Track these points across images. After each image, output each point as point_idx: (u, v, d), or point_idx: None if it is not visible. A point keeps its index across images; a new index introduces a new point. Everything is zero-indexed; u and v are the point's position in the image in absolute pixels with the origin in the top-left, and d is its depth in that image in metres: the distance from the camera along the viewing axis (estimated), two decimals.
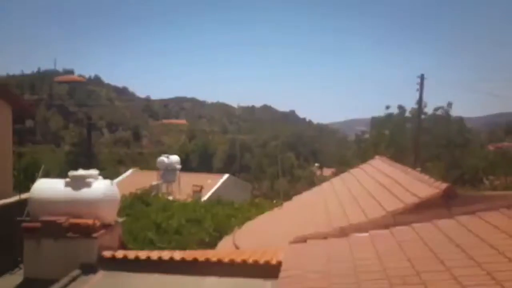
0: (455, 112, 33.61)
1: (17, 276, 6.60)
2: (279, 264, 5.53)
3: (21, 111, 10.18)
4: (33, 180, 8.02)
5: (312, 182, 34.51)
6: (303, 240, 6.10)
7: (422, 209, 5.87)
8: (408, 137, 30.79)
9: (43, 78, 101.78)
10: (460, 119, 33.03)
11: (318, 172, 53.93)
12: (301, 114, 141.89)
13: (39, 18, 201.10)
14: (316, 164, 59.84)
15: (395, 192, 7.18)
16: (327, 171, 46.14)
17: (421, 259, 4.48)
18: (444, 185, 6.12)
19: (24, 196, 7.58)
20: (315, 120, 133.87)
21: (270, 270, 5.52)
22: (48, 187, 6.86)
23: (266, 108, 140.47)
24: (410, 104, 32.57)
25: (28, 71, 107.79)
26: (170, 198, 18.14)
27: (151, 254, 6.36)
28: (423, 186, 6.70)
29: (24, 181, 12.72)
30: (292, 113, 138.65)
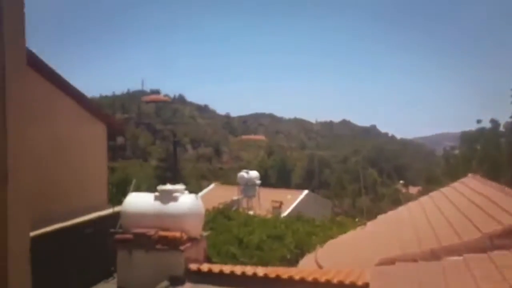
0: None
1: (111, 285, 6.99)
2: (366, 285, 5.31)
3: (113, 129, 10.95)
4: (124, 194, 8.53)
5: (397, 201, 33.02)
6: (391, 262, 5.80)
7: None
8: (503, 153, 28.36)
9: (132, 98, 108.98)
10: None
11: (403, 190, 51.54)
12: (382, 128, 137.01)
13: (127, 42, 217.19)
14: (401, 181, 57.22)
15: (492, 213, 6.59)
16: (413, 189, 43.91)
17: None
18: None
19: (117, 209, 8.07)
20: (398, 135, 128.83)
21: None
22: (138, 201, 7.24)
23: (345, 123, 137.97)
24: (504, 118, 30.05)
25: (118, 92, 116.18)
26: (251, 213, 18.34)
27: (234, 269, 6.43)
28: None
29: (116, 194, 13.56)
30: (373, 128, 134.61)
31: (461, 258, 5.32)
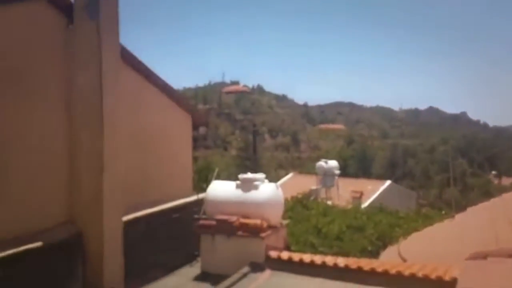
0: None
1: (195, 268, 7.31)
2: (454, 281, 5.02)
3: (196, 120, 11.33)
4: (206, 182, 8.84)
5: (488, 192, 30.78)
6: (483, 256, 5.43)
7: None
8: None
9: (213, 90, 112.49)
10: None
11: (496, 181, 47.92)
12: (474, 116, 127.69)
13: (210, 33, 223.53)
14: (493, 172, 53.29)
15: None
16: (507, 180, 40.74)
17: None
18: None
19: (200, 196, 8.39)
20: (491, 123, 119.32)
21: (442, 287, 5.03)
22: (221, 189, 7.48)
23: (432, 111, 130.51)
24: None
25: (200, 83, 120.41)
26: (329, 203, 18.13)
27: (314, 258, 6.41)
28: None
29: (199, 182, 14.10)
30: (463, 115, 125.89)
31: None
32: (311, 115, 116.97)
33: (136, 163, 8.37)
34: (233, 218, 6.86)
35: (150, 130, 9.02)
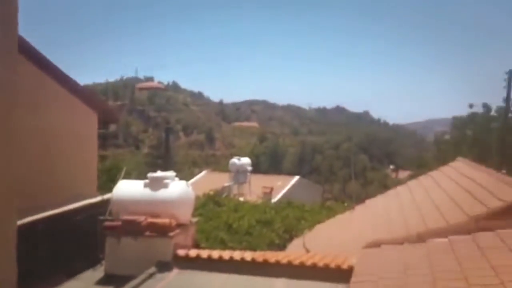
0: None
1: (99, 272, 7.02)
2: (351, 269, 5.38)
3: (105, 116, 10.86)
4: (114, 181, 8.52)
5: (386, 185, 33.33)
6: (377, 245, 5.88)
7: (508, 214, 5.42)
8: (494, 138, 28.64)
9: (125, 86, 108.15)
10: None
11: (393, 175, 51.99)
12: (375, 115, 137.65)
13: (122, 30, 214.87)
14: (391, 167, 57.76)
15: (478, 196, 6.70)
16: (403, 174, 44.37)
17: (506, 268, 4.16)
18: None
19: (106, 196, 8.07)
20: (391, 121, 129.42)
21: (341, 275, 5.39)
22: (128, 188, 7.25)
23: (338, 109, 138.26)
24: (496, 103, 30.26)
25: (112, 79, 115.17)
26: (241, 199, 18.43)
27: (223, 254, 6.48)
28: (509, 189, 6.19)
29: (107, 182, 13.54)
30: (366, 114, 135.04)
31: (446, 240, 5.41)
32: (226, 112, 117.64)
33: (34, 163, 7.82)
34: (141, 218, 6.68)
35: (50, 128, 8.48)
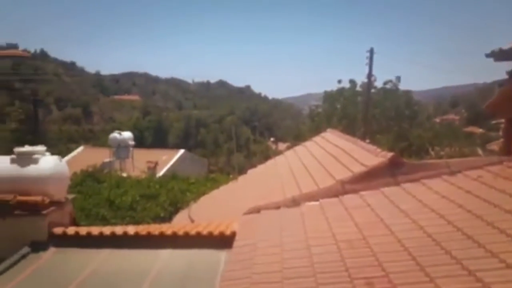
0: (403, 85, 34.69)
1: None
2: (234, 234, 5.64)
3: None
4: None
5: (267, 156, 34.87)
6: (257, 211, 6.23)
7: (370, 178, 6.09)
8: (359, 110, 31.62)
9: None
10: (408, 92, 34.12)
11: (274, 146, 54.57)
12: (256, 89, 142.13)
13: None
14: (272, 139, 60.53)
15: (344, 162, 7.42)
16: (282, 146, 46.78)
17: (368, 224, 4.72)
18: (390, 155, 6.38)
19: None
20: (270, 95, 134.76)
21: (224, 241, 5.61)
22: None
23: (221, 84, 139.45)
24: (361, 78, 33.32)
25: None
26: (124, 175, 17.83)
27: (103, 230, 6.28)
28: (371, 156, 6.96)
29: None
30: (247, 89, 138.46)
31: (317, 203, 5.94)
32: (104, 85, 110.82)
33: None
34: (9, 197, 6.13)
35: None
